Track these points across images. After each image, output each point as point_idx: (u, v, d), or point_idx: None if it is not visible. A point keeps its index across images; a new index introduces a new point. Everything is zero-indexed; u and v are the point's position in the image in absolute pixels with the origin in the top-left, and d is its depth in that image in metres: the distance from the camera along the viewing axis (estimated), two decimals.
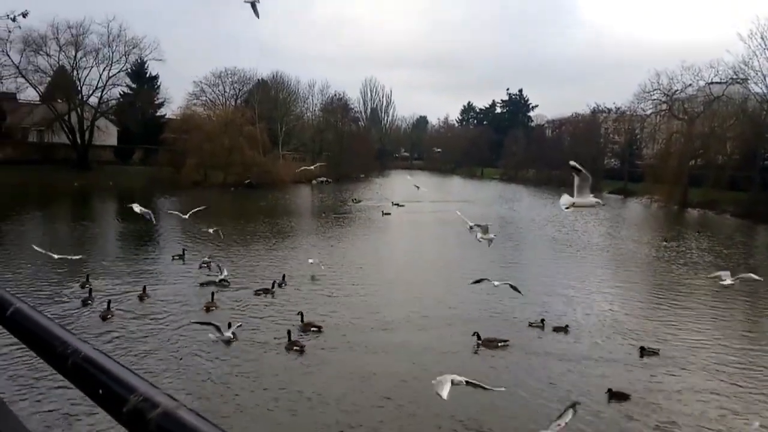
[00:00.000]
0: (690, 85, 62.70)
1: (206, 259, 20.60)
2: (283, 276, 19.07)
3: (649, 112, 70.20)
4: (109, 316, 14.65)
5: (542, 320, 15.31)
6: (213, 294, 16.53)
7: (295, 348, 12.89)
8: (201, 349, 12.82)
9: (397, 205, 44.54)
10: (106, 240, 29.57)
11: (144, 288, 16.99)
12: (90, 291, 16.37)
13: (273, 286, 18.10)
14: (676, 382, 12.00)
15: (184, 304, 16.32)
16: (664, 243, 32.07)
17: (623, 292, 20.60)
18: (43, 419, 9.28)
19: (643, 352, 13.27)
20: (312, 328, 14.20)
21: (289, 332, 13.23)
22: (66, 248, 23.18)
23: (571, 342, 14.31)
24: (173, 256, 22.31)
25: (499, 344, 13.52)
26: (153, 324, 14.60)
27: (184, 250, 22.89)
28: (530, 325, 15.23)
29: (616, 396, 10.74)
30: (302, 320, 14.41)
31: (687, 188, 56.32)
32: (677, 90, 63.74)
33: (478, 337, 13.54)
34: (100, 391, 1.17)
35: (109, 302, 15.18)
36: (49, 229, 31.83)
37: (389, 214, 39.67)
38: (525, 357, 13.16)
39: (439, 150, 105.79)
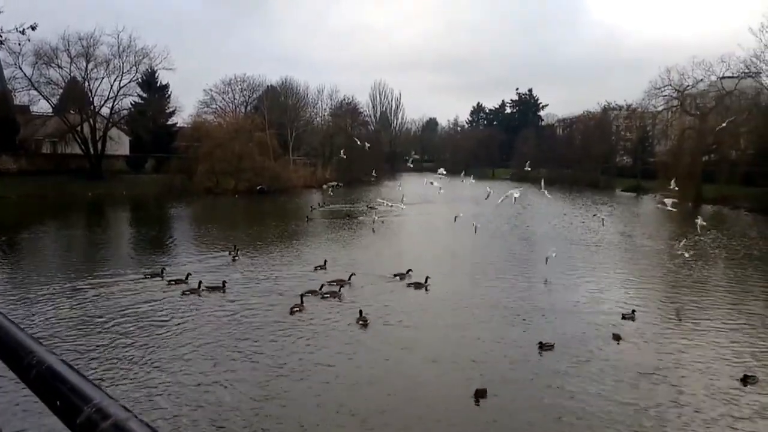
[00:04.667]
0: (701, 80, 62.13)
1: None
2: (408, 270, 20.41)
3: (660, 108, 69.69)
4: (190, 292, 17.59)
5: (633, 311, 15.80)
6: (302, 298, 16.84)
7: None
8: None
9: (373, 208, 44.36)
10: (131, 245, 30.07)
11: (223, 282, 18.59)
12: (187, 276, 18.97)
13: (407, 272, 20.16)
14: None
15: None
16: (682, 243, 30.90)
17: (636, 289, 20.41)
18: None
19: (542, 347, 13.10)
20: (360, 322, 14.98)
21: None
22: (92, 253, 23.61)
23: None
24: (231, 256, 23.84)
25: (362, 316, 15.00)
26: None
27: (236, 247, 24.63)
28: (624, 317, 15.56)
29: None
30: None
31: (701, 184, 55.65)
32: (688, 86, 63.19)
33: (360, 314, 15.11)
34: (58, 402, 1.18)
35: (199, 283, 18.08)
36: (67, 238, 32.26)
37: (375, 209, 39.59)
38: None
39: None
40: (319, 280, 19.05)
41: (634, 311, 15.82)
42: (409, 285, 19.16)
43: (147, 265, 22.51)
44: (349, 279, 19.08)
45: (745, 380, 11.39)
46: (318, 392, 10.88)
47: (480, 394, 10.52)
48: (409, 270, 20.34)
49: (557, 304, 17.47)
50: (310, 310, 15.98)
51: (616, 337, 13.96)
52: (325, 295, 17.17)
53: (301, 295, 16.55)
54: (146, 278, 19.58)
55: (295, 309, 15.78)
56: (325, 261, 21.86)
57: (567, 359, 12.65)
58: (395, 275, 20.26)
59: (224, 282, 18.41)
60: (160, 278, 19.44)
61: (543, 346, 13.08)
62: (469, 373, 11.74)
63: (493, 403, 10.47)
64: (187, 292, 17.63)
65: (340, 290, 17.73)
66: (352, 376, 11.80)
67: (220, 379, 11.38)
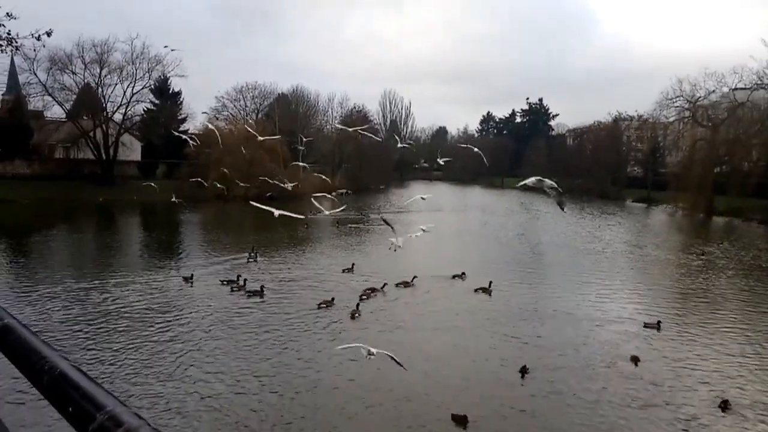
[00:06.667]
0: (713, 91, 61.67)
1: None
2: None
3: (671, 119, 69.14)
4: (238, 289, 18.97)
5: (659, 322, 15.72)
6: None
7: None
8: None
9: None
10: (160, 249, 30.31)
11: (261, 287, 19.16)
12: (238, 277, 19.80)
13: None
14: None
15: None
16: (703, 256, 30.01)
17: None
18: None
19: (524, 371, 12.27)
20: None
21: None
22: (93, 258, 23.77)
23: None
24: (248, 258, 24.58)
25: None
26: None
27: (254, 248, 25.38)
28: (645, 325, 15.64)
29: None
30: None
31: (712, 196, 55.16)
32: (700, 97, 62.76)
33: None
34: (70, 409, 1.18)
35: (245, 280, 19.34)
36: (75, 242, 32.50)
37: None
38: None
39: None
40: (348, 281, 20.25)
41: (659, 322, 15.59)
42: (476, 290, 19.49)
43: (169, 266, 23.40)
44: (412, 281, 19.89)
45: (724, 406, 10.87)
46: (302, 395, 10.98)
47: (459, 421, 9.82)
48: (463, 272, 21.31)
49: (568, 312, 17.38)
50: (338, 306, 17.00)
51: (634, 359, 13.26)
52: (364, 298, 18.00)
53: (366, 290, 18.54)
54: (183, 280, 20.49)
55: (322, 305, 16.79)
56: (353, 264, 22.64)
57: (575, 378, 12.39)
58: (453, 276, 21.18)
59: (262, 286, 19.03)
60: (190, 285, 19.90)
61: (524, 370, 12.30)
62: (455, 392, 11.48)
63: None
64: (236, 288, 19.06)
65: (373, 293, 18.66)
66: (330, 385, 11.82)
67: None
